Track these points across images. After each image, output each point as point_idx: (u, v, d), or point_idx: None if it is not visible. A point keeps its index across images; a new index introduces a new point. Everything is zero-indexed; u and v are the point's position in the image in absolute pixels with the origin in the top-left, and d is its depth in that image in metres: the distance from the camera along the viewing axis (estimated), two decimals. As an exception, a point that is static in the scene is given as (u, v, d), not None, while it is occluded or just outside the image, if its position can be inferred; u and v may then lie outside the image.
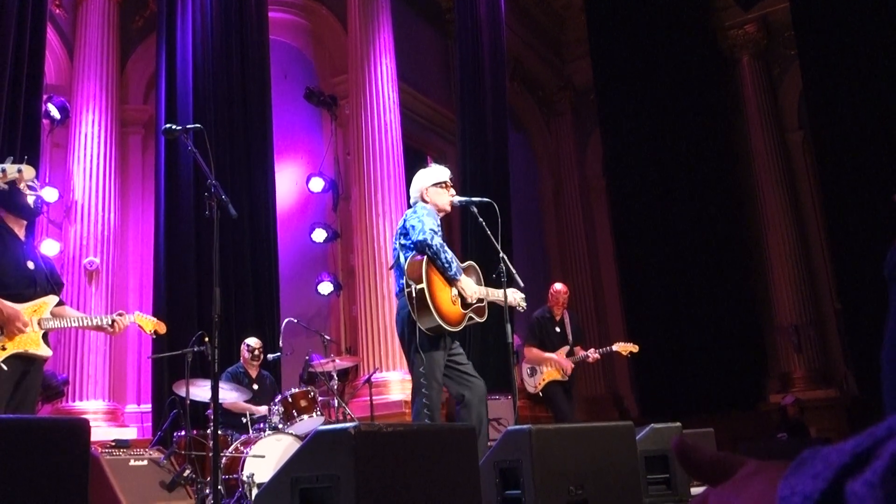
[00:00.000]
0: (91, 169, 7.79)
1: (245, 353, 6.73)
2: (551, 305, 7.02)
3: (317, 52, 10.43)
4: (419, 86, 11.11)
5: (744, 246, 12.27)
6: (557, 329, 7.00)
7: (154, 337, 4.70)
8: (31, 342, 3.87)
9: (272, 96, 8.68)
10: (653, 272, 12.26)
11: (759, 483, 0.42)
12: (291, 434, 5.59)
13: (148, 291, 7.94)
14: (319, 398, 6.10)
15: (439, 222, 4.43)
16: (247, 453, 5.32)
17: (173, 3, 8.20)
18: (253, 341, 6.78)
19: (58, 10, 8.37)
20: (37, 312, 3.94)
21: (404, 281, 4.26)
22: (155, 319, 4.41)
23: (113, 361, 7.60)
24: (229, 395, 5.98)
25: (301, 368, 6.66)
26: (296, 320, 6.72)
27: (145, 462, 4.57)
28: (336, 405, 6.30)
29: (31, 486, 2.22)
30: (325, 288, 9.33)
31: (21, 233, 4.09)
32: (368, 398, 7.12)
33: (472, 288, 4.36)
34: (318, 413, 5.95)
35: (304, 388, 6.04)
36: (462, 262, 4.59)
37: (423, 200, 4.51)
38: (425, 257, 4.24)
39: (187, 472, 4.69)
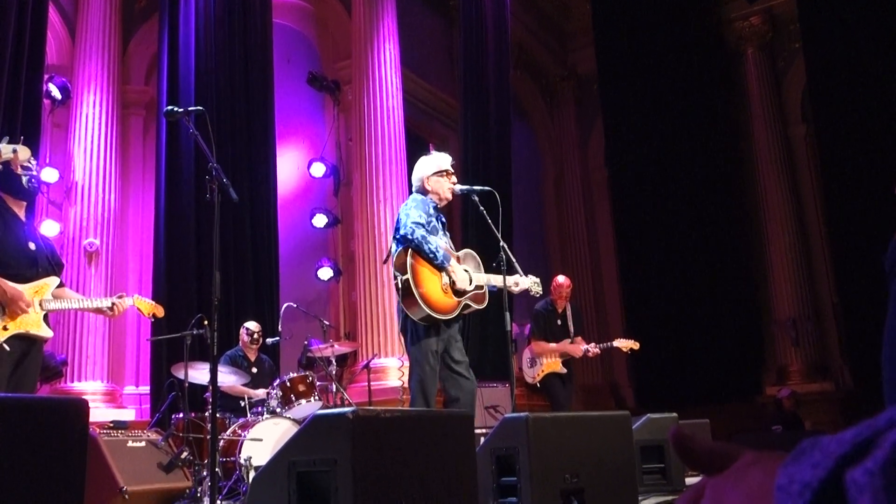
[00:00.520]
0: (92, 150, 7.78)
1: (244, 337, 6.74)
2: (554, 298, 7.03)
3: (320, 37, 10.39)
4: (422, 72, 11.08)
5: (744, 238, 12.27)
6: (559, 322, 7.03)
7: (152, 320, 4.71)
8: (32, 323, 3.87)
9: (275, 80, 8.66)
10: (653, 264, 12.27)
11: (757, 472, 0.42)
12: (289, 418, 5.60)
13: (147, 274, 7.95)
14: (318, 383, 6.11)
15: (432, 211, 4.45)
16: (244, 436, 5.33)
17: (177, -16, 8.17)
18: (252, 325, 6.79)
19: (60, -10, 8.34)
20: (38, 293, 3.95)
21: (394, 272, 4.35)
22: (153, 303, 4.42)
23: (112, 343, 7.61)
24: (228, 379, 6.00)
25: (300, 353, 6.68)
26: (295, 305, 6.73)
27: (143, 443, 4.59)
28: (334, 390, 6.32)
29: (30, 464, 2.23)
30: (325, 273, 9.33)
31: (21, 213, 4.09)
32: (366, 384, 7.14)
33: (462, 275, 4.36)
34: (317, 398, 5.97)
35: (303, 373, 6.05)
36: (459, 250, 4.61)
37: (425, 189, 4.53)
38: (410, 249, 4.29)
39: (185, 454, 4.71)
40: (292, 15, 10.27)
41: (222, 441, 5.41)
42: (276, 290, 8.14)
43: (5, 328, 3.78)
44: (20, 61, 6.62)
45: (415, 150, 8.65)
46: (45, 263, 4.04)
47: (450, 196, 4.60)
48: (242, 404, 6.04)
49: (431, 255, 4.27)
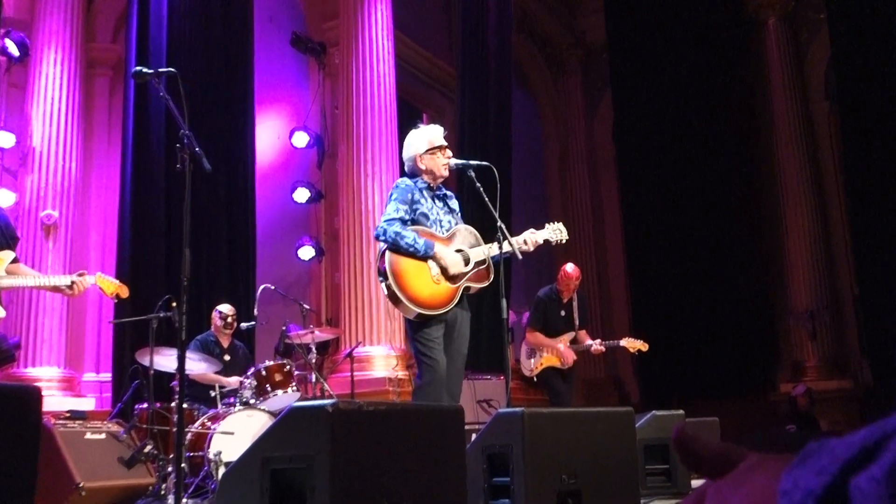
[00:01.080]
0: (52, 113, 7.69)
1: (216, 321, 6.72)
2: (560, 288, 6.94)
3: (305, -6, 10.31)
4: (417, 36, 11.00)
5: (760, 223, 12.29)
6: (563, 313, 6.93)
7: (116, 301, 4.67)
8: (-19, 300, 3.83)
9: (255, 40, 8.59)
10: (661, 249, 12.28)
11: (760, 476, 0.42)
12: (264, 410, 5.59)
13: (111, 250, 7.90)
14: (296, 372, 6.10)
15: (417, 196, 4.45)
16: (214, 429, 5.32)
17: (148, -67, 8.06)
18: (225, 308, 6.77)
19: (20, -63, 8.22)
20: (-12, 268, 3.90)
21: (378, 276, 4.42)
22: (117, 282, 4.38)
23: (70, 325, 7.57)
24: (197, 366, 5.97)
25: (277, 339, 6.66)
26: (273, 287, 6.70)
27: (103, 436, 4.56)
28: (314, 380, 6.31)
29: (-25, 456, 2.19)
30: (307, 253, 9.30)
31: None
32: (349, 374, 7.13)
33: (453, 258, 4.36)
34: (294, 388, 5.96)
35: (280, 361, 6.03)
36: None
37: (418, 168, 4.52)
38: (387, 248, 4.33)
39: (149, 447, 4.69)
40: (275, -30, 10.17)
41: (190, 434, 5.39)
42: (252, 270, 8.12)
43: (-48, 306, 3.74)
44: (-26, 14, 6.53)
45: (407, 120, 8.59)
46: (-3, 236, 3.99)
47: (445, 173, 4.59)
48: (213, 394, 6.01)
49: (411, 250, 4.29)
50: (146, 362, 5.40)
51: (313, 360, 6.23)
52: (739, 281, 11.78)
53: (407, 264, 4.29)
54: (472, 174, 4.48)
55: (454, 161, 4.59)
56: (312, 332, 6.43)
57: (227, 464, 5.04)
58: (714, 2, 12.56)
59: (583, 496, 3.23)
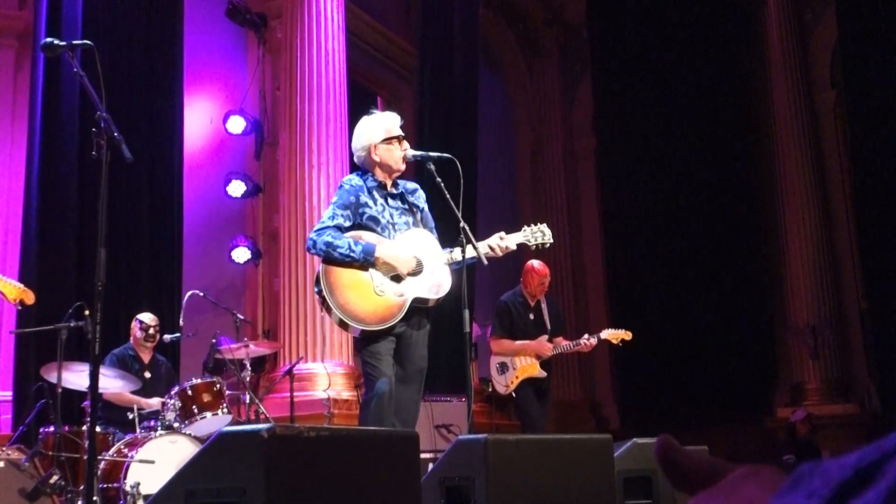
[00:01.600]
0: (-53, 90, 7.58)
1: (137, 332, 6.68)
2: (526, 288, 6.98)
3: (243, -42, 10.25)
4: (372, 9, 10.99)
5: (756, 226, 12.44)
6: (532, 316, 6.97)
7: (19, 308, 4.62)
8: None
9: (185, 10, 8.54)
10: (645, 253, 12.40)
11: (750, 487, 0.43)
12: (189, 435, 5.57)
13: (14, 249, 7.80)
14: (227, 392, 6.09)
15: (365, 198, 4.46)
16: (132, 457, 5.28)
17: None
18: (147, 317, 6.73)
19: None
20: None
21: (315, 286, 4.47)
22: (21, 286, 4.33)
23: (-34, 335, 7.46)
24: (113, 384, 5.93)
25: (206, 354, 6.61)
26: (202, 293, 6.66)
27: (1, 464, 4.50)
28: (247, 401, 6.29)
29: None
30: (241, 255, 9.25)
31: None
32: (289, 394, 7.11)
33: (403, 257, 4.34)
34: (225, 410, 5.95)
35: (209, 379, 6.02)
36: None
37: (371, 160, 4.52)
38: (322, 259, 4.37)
39: (55, 477, 4.63)
40: (209, -71, 10.11)
41: (103, 463, 5.33)
42: (178, 273, 8.08)
43: None
44: None
45: (359, 104, 8.57)
46: None
47: (402, 166, 4.60)
48: (131, 416, 5.97)
49: (348, 260, 4.29)
50: (53, 379, 5.34)
51: (247, 378, 6.21)
52: (732, 291, 11.91)
53: (344, 276, 4.29)
54: (432, 167, 4.49)
55: (412, 152, 4.59)
56: (247, 346, 6.41)
57: (146, 497, 5.01)
58: (708, -24, 12.72)
59: (553, 534, 3.25)
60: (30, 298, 4.37)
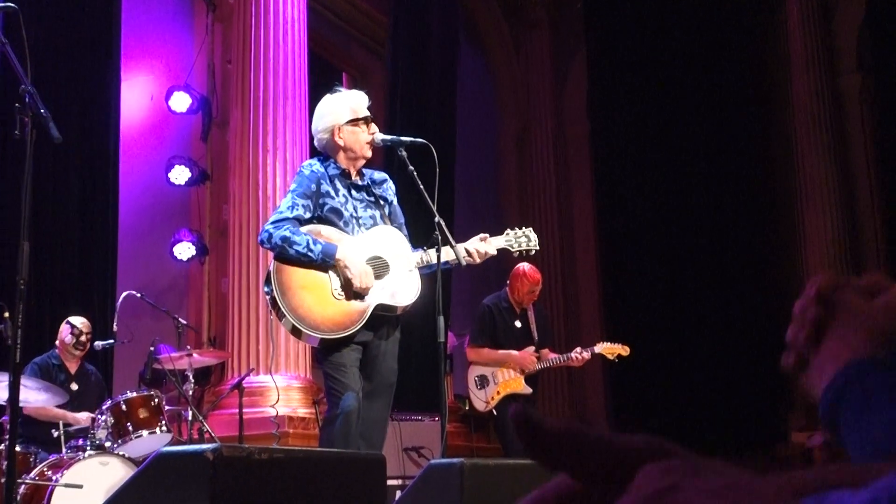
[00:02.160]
0: None
1: (66, 337, 6.64)
2: (513, 294, 6.99)
3: (191, -88, 10.23)
4: (336, -28, 10.99)
5: (771, 228, 12.48)
6: (518, 323, 7.00)
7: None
8: None
9: (122, -29, 8.51)
10: (645, 256, 12.42)
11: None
12: (123, 456, 5.55)
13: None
14: (166, 407, 6.07)
15: (327, 187, 4.46)
16: (56, 481, 5.25)
17: None
18: (78, 321, 6.70)
19: None
20: None
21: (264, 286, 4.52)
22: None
23: None
24: (36, 396, 5.88)
25: (143, 364, 6.60)
26: (139, 294, 6.65)
27: None
28: (190, 418, 6.28)
29: None
30: (185, 251, 9.21)
31: None
32: (237, 410, 7.09)
33: (359, 270, 4.30)
34: (164, 428, 5.93)
35: (146, 393, 5.99)
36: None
37: (335, 144, 4.51)
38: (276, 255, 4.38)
39: (-32, 502, 4.61)
40: None
41: (24, 487, 5.30)
42: (112, 271, 8.05)
43: None
44: None
45: (322, 81, 8.56)
46: None
47: (368, 154, 4.60)
48: (56, 434, 5.95)
49: (305, 260, 4.29)
50: (-34, 391, 5.32)
51: (190, 392, 6.20)
52: (743, 299, 11.96)
53: (298, 276, 4.30)
54: (404, 154, 4.50)
55: (381, 136, 4.59)
56: (190, 355, 6.41)
57: (72, 527, 5.00)
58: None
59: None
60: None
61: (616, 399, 12.60)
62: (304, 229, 4.36)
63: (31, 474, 5.44)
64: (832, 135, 12.56)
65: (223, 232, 9.22)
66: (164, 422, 5.96)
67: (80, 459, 5.41)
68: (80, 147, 7.96)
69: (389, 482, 3.30)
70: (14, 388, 3.55)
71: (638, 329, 12.01)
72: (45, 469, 5.49)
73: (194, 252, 9.26)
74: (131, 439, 5.76)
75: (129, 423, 5.81)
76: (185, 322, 6.87)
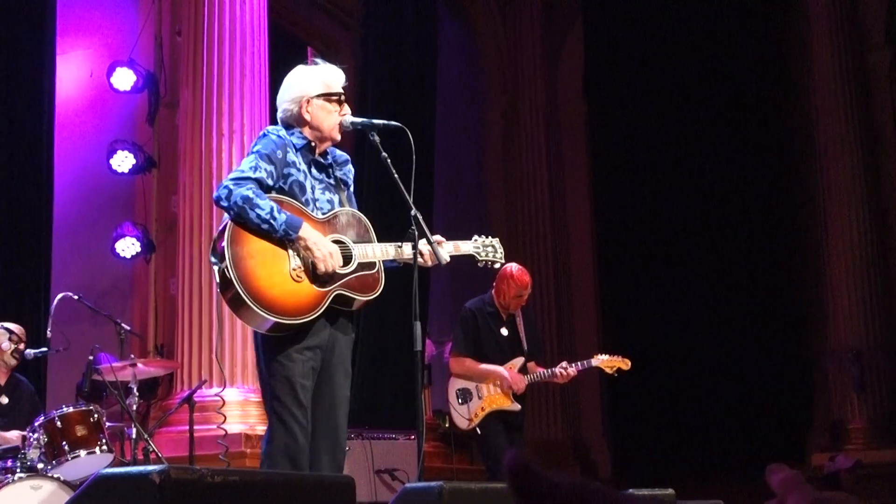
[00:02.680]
0: None
1: (3, 344, 6.60)
2: (499, 298, 6.99)
3: None
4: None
5: (789, 226, 12.52)
6: (505, 331, 6.99)
7: None
8: None
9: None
10: (647, 255, 12.44)
11: None
12: (58, 479, 5.54)
13: None
14: (107, 424, 6.06)
15: (293, 156, 4.38)
16: (-17, 506, 5.24)
17: None
18: (16, 327, 6.68)
19: None
20: None
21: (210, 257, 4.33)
22: None
23: None
24: (-41, 412, 5.89)
25: (81, 375, 6.58)
26: (76, 296, 6.62)
27: None
28: (134, 436, 6.27)
29: None
30: (128, 247, 9.19)
31: None
32: (187, 427, 7.08)
33: (325, 250, 4.19)
34: (104, 448, 5.92)
35: (84, 407, 5.98)
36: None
37: (300, 117, 4.46)
38: (231, 220, 4.20)
39: None
40: None
41: (-54, 512, 5.30)
42: (45, 270, 8.06)
43: None
44: None
45: (285, 55, 8.55)
46: None
47: (337, 137, 4.56)
48: (-18, 454, 5.93)
49: (265, 227, 4.14)
50: None
51: (134, 407, 6.18)
52: (757, 307, 11.98)
53: (255, 246, 4.16)
54: (376, 139, 4.49)
55: (350, 118, 4.56)
56: (134, 366, 6.40)
57: (0, 558, 4.99)
58: None
59: None
60: None
61: (616, 416, 12.62)
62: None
63: (-47, 499, 5.45)
64: (859, 122, 12.50)
65: (171, 226, 9.19)
66: (104, 440, 5.94)
67: (8, 483, 5.39)
68: (9, 130, 7.96)
69: (359, 508, 3.31)
70: (-66, 402, 3.54)
71: (640, 339, 12.00)
72: (-31, 493, 5.49)
73: (139, 249, 9.23)
74: (67, 460, 5.74)
75: (64, 442, 5.78)
76: (128, 328, 6.85)
